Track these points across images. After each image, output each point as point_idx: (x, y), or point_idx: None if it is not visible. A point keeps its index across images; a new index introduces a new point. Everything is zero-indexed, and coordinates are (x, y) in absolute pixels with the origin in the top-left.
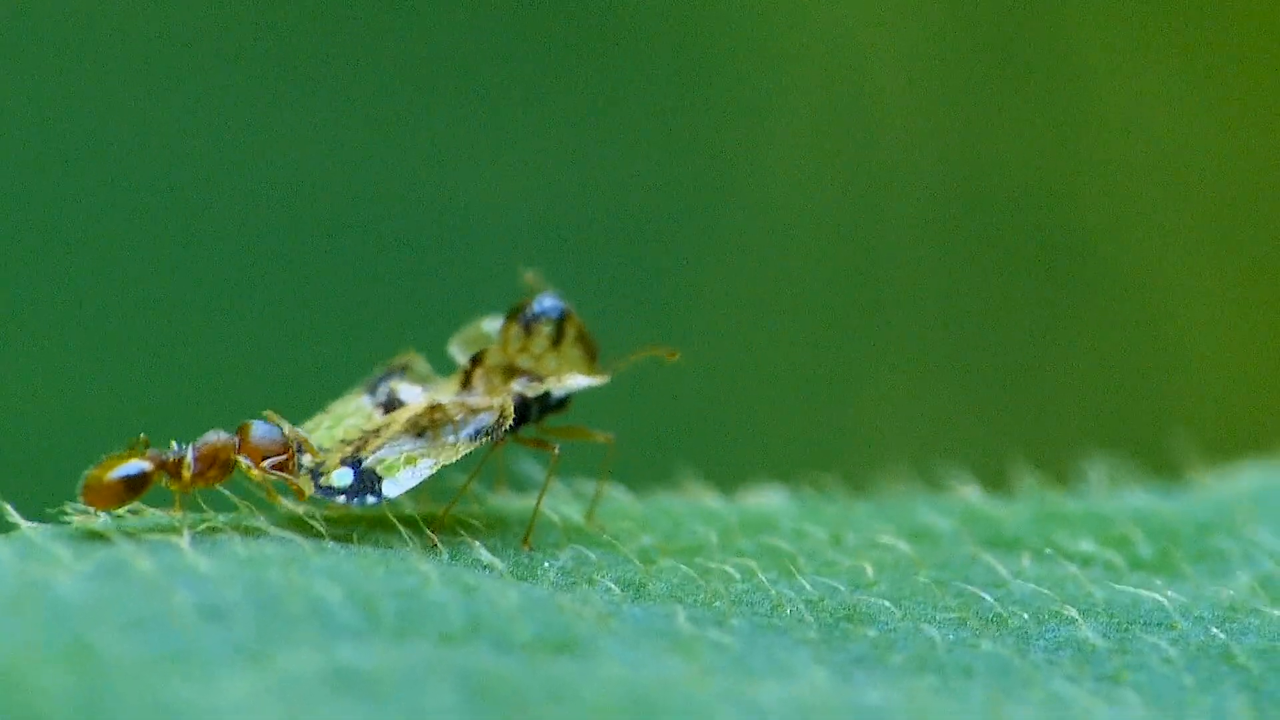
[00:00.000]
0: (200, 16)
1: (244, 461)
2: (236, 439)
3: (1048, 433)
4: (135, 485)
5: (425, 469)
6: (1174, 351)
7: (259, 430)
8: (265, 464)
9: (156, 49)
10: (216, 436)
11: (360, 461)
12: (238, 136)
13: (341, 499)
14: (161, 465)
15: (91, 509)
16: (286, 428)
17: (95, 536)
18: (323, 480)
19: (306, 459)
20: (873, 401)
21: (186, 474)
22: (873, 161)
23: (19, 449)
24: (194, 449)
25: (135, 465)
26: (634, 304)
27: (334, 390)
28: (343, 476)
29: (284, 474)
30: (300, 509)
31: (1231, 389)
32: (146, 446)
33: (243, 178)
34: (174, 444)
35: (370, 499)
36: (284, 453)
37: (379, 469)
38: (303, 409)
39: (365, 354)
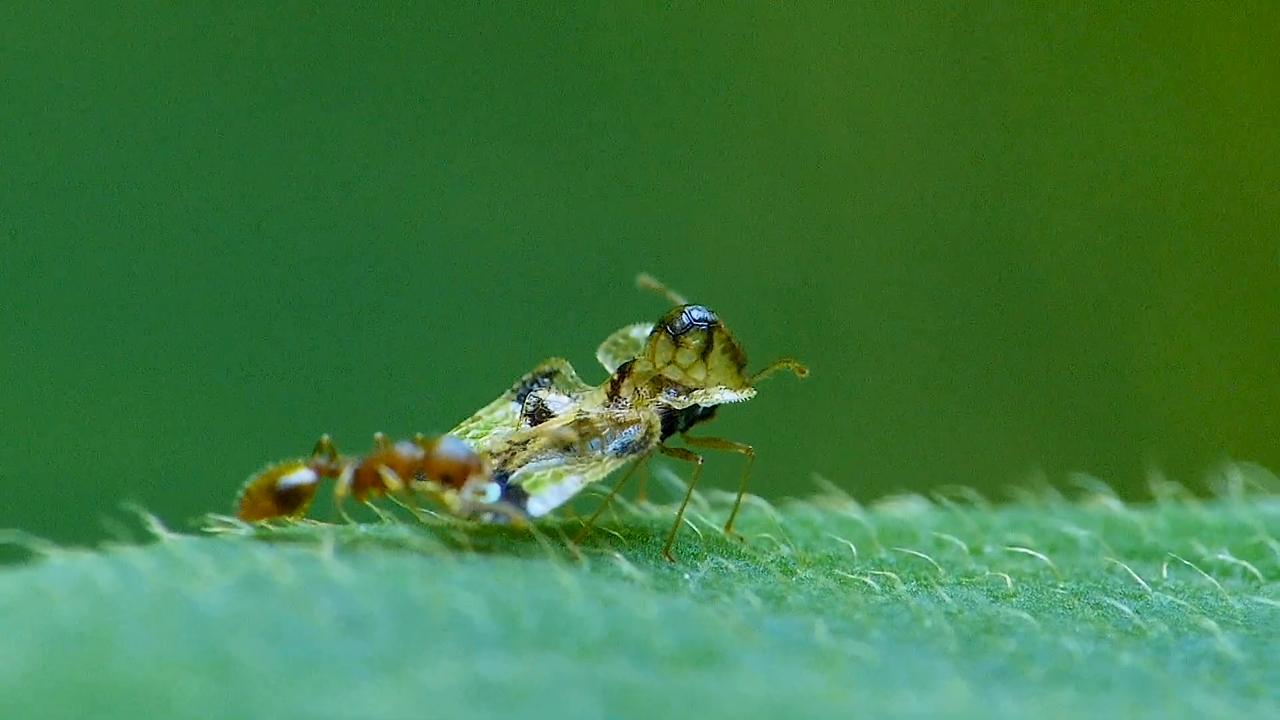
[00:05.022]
0: (219, 61)
1: (389, 477)
2: (421, 452)
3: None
4: (298, 495)
5: (572, 487)
6: (1132, 375)
7: (445, 446)
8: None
9: (144, 92)
10: (398, 449)
11: (506, 476)
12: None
13: (488, 517)
14: (330, 474)
15: (247, 520)
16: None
17: (237, 548)
18: (469, 495)
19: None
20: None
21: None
22: (824, 197)
23: (159, 460)
24: (359, 462)
25: (302, 475)
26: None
27: (325, 418)
28: (489, 492)
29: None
30: (441, 520)
31: (1188, 408)
32: (333, 452)
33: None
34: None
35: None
36: (469, 472)
37: (525, 485)
38: (296, 435)
39: (374, 379)
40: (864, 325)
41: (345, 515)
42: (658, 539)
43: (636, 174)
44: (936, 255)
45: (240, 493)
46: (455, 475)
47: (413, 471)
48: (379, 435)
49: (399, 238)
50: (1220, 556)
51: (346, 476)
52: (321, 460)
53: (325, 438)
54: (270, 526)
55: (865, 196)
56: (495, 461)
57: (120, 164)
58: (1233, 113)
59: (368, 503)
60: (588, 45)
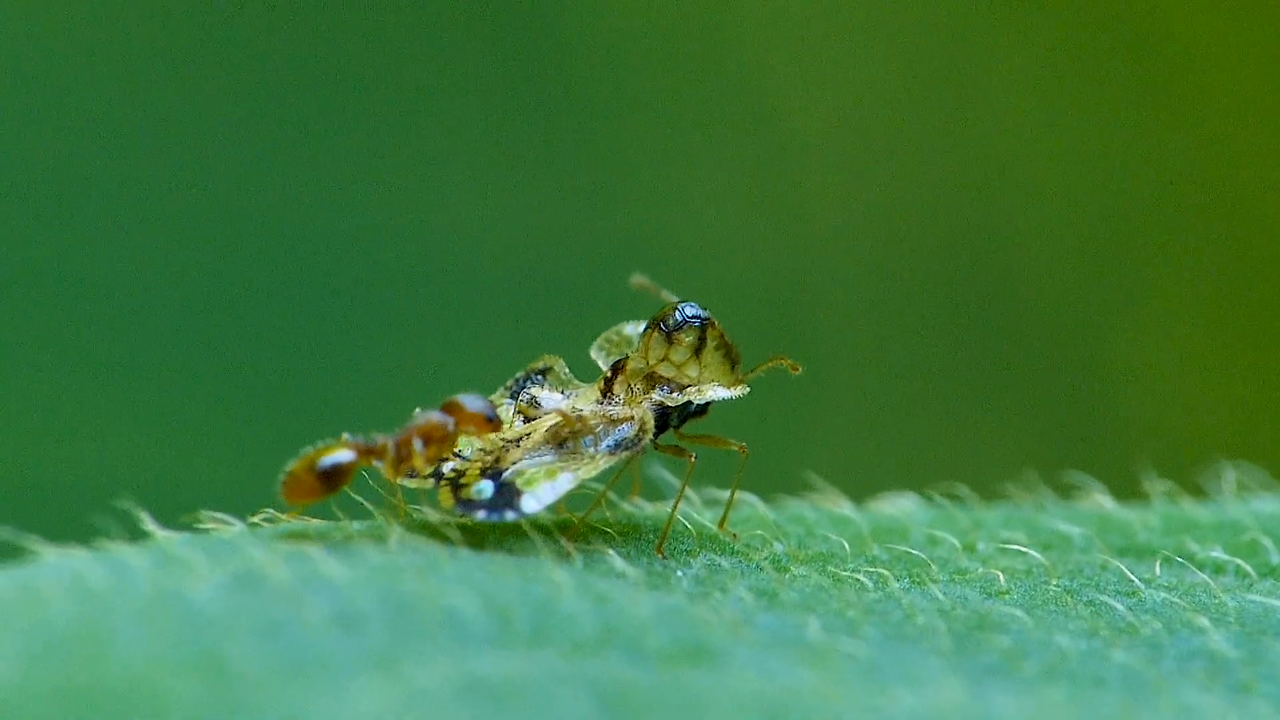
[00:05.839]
0: (208, 71)
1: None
2: (449, 417)
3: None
4: (340, 474)
5: (565, 483)
6: (1126, 373)
7: (468, 399)
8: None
9: (142, 95)
10: (428, 416)
11: (500, 473)
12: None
13: (481, 514)
14: (369, 452)
15: (291, 502)
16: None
17: (230, 545)
18: (463, 493)
19: (447, 467)
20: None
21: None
22: (818, 196)
23: (152, 458)
24: (398, 434)
25: (342, 454)
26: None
27: (316, 418)
28: (483, 489)
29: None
30: (434, 516)
31: (1181, 406)
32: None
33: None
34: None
35: (509, 514)
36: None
37: (518, 482)
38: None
39: (362, 382)
40: (857, 323)
41: (338, 512)
42: (650, 536)
43: (624, 177)
44: (929, 254)
45: (283, 475)
46: (489, 420)
47: (447, 435)
48: (419, 410)
49: (390, 241)
50: (1213, 554)
51: (390, 449)
52: (360, 439)
53: (344, 435)
54: (264, 522)
55: (857, 195)
56: (489, 459)
57: (113, 167)
58: (1214, 116)
59: (359, 498)
60: (573, 52)
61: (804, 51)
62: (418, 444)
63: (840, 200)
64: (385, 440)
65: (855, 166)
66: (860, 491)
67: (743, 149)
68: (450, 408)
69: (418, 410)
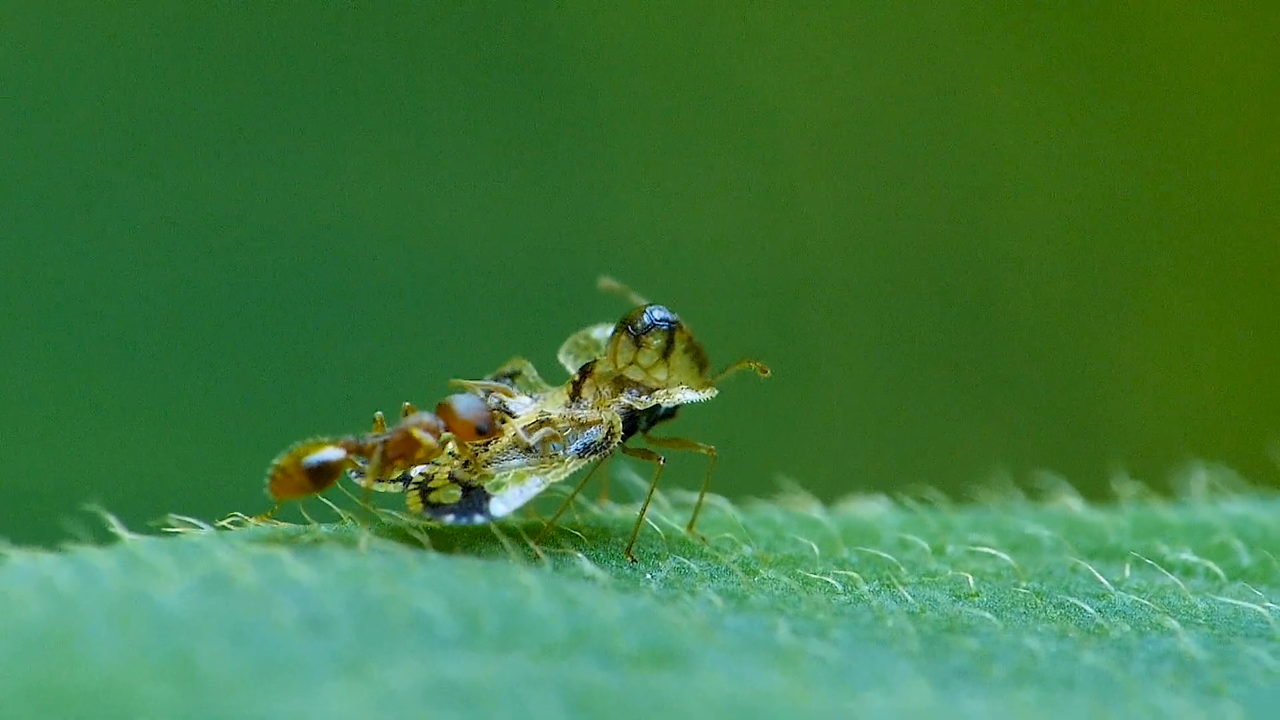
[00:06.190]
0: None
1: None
2: (440, 420)
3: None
4: (329, 472)
5: (534, 487)
6: (1096, 375)
7: (462, 405)
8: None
9: (128, 94)
10: (419, 419)
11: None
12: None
13: (449, 518)
14: (358, 451)
15: (278, 498)
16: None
17: (198, 548)
18: (432, 497)
19: (416, 471)
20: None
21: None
22: (792, 199)
23: (119, 461)
24: (389, 434)
25: (330, 452)
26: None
27: (286, 420)
28: (451, 493)
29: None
30: (403, 519)
31: (1151, 408)
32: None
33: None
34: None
35: (478, 518)
36: (488, 435)
37: (487, 486)
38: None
39: (327, 380)
40: (828, 326)
41: (306, 515)
42: (620, 539)
43: (609, 179)
44: (901, 257)
45: (270, 470)
46: (480, 431)
47: (438, 437)
48: (379, 415)
49: (381, 244)
50: (1183, 556)
51: (378, 449)
52: (349, 437)
53: (324, 438)
54: (231, 525)
55: (834, 198)
56: (458, 462)
57: (83, 168)
58: (1196, 123)
59: (328, 502)
60: (566, 56)
61: (796, 56)
62: (426, 435)
63: (828, 205)
64: (374, 440)
65: (844, 171)
66: (830, 494)
67: (734, 154)
68: (442, 411)
69: (406, 405)
